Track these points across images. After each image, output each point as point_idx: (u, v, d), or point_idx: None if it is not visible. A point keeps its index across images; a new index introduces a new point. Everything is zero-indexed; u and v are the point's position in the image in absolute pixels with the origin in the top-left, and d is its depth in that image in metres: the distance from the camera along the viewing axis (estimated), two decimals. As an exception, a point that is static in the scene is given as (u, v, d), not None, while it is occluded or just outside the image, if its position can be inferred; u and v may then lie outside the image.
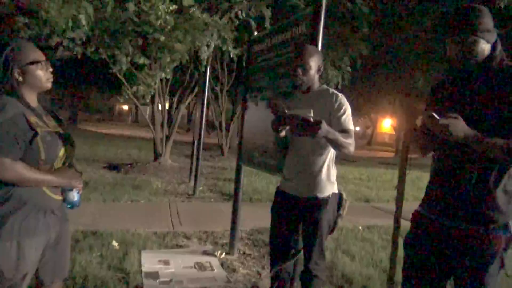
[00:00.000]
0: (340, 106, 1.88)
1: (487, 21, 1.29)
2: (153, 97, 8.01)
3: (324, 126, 1.61)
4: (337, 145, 1.78)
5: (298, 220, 2.03)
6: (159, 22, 4.83)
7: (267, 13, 6.09)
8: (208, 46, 5.44)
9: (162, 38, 5.06)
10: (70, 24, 4.55)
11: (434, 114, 1.20)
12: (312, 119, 1.60)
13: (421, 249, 1.44)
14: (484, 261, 1.28)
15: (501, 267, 1.31)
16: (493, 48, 1.32)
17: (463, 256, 1.32)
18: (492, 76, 1.30)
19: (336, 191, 2.01)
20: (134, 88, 6.02)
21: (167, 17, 4.85)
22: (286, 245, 2.10)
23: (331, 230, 2.02)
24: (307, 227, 1.98)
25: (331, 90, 1.97)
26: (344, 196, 2.05)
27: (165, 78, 6.47)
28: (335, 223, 2.01)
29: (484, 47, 1.31)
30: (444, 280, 1.43)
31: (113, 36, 5.55)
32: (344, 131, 1.83)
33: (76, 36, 5.02)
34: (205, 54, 5.54)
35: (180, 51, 5.30)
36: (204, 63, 6.01)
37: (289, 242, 2.09)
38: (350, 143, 1.80)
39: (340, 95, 1.93)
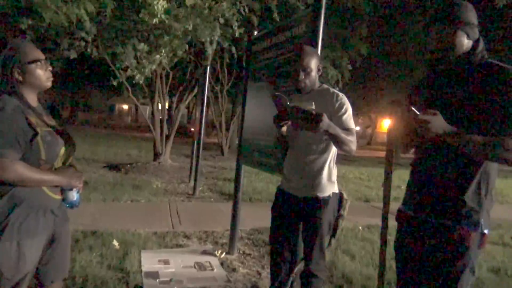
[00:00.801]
0: (341, 105, 1.88)
1: (470, 15, 1.31)
2: (152, 97, 8.02)
3: (326, 119, 1.62)
4: (339, 142, 1.77)
5: (298, 220, 2.03)
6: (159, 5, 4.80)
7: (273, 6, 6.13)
8: (211, 42, 5.43)
9: (176, 25, 5.00)
10: (73, 20, 4.54)
11: (413, 108, 1.21)
12: (314, 112, 1.61)
13: (407, 248, 1.45)
14: (454, 256, 1.29)
15: (472, 270, 1.29)
16: (475, 45, 1.33)
17: (435, 250, 1.33)
18: (472, 72, 1.30)
19: (337, 191, 2.00)
20: (129, 72, 5.96)
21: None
22: (287, 244, 2.09)
23: (333, 232, 2.01)
24: (307, 227, 1.97)
25: (332, 89, 1.97)
26: (345, 196, 2.04)
27: (164, 69, 6.38)
28: (337, 224, 2.01)
29: (464, 40, 1.32)
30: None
31: (118, 33, 5.57)
32: (346, 129, 1.83)
33: (81, 35, 5.02)
34: (210, 49, 5.54)
35: (179, 31, 5.21)
36: (210, 58, 6.00)
37: (289, 241, 2.09)
38: (352, 141, 1.80)
39: (340, 94, 1.93)
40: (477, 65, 1.31)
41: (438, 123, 1.21)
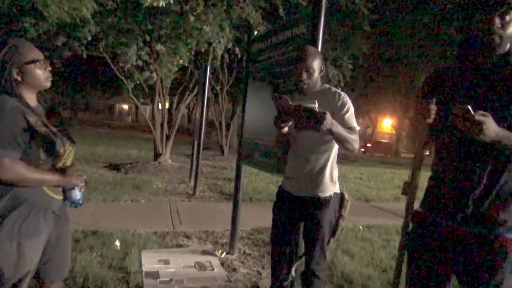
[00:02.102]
0: (343, 104, 1.88)
1: None
2: (153, 97, 8.02)
3: (329, 117, 1.61)
4: (342, 141, 1.77)
5: (299, 219, 2.03)
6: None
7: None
8: (219, 42, 5.46)
9: (192, 18, 5.03)
10: (76, 17, 4.54)
11: (469, 107, 1.06)
12: (317, 110, 1.59)
13: (424, 251, 1.38)
14: (493, 265, 1.22)
15: None
16: None
17: (468, 259, 1.26)
18: (510, 72, 1.20)
19: (338, 191, 2.00)
20: (146, 74, 6.05)
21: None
22: (287, 244, 2.09)
23: (334, 232, 2.01)
24: (308, 226, 1.97)
25: (334, 89, 1.97)
26: (346, 196, 2.04)
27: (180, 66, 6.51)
28: (337, 224, 2.00)
29: None
30: (445, 283, 1.37)
31: (121, 32, 5.59)
32: (348, 128, 1.83)
33: (82, 35, 5.04)
34: (219, 50, 5.57)
35: (206, 35, 5.26)
36: (219, 58, 6.05)
37: (290, 241, 2.09)
38: (355, 140, 1.80)
39: (342, 93, 1.93)
40: None
41: (492, 125, 1.08)
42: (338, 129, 1.71)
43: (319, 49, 2.19)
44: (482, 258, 1.23)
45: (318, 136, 1.88)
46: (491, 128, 1.08)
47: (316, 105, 1.61)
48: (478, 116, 1.07)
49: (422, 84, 1.45)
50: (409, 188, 1.44)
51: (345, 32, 7.83)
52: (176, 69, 6.37)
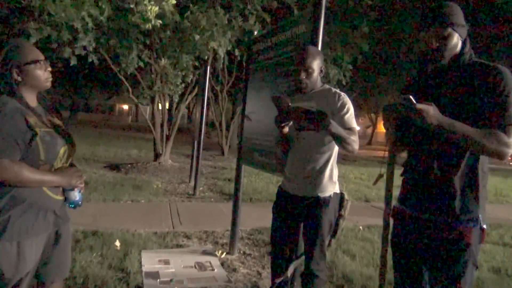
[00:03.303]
0: (343, 104, 1.88)
1: (460, 16, 1.36)
2: (153, 97, 8.02)
3: (328, 118, 1.63)
4: (341, 141, 1.78)
5: (299, 219, 2.03)
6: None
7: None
8: (220, 44, 5.48)
9: (197, 37, 5.12)
10: (78, 22, 4.56)
11: (411, 97, 1.23)
12: (316, 111, 1.61)
13: (404, 245, 1.47)
14: (456, 253, 1.31)
15: (475, 265, 1.32)
16: (464, 44, 1.37)
17: (437, 248, 1.35)
18: (462, 71, 1.35)
19: (338, 191, 2.00)
20: (158, 86, 6.11)
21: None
22: (287, 244, 2.09)
23: (334, 232, 2.01)
24: (308, 227, 1.97)
25: (334, 89, 1.97)
26: (346, 196, 2.04)
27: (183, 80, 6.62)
28: (337, 224, 2.00)
29: (457, 41, 1.36)
30: (423, 273, 1.44)
31: (122, 37, 5.61)
32: (348, 129, 1.83)
33: (86, 42, 5.07)
34: (221, 52, 5.59)
35: (207, 46, 5.31)
36: (221, 61, 6.09)
37: (290, 241, 2.09)
38: (354, 140, 1.81)
39: (342, 94, 1.93)
40: (466, 64, 1.36)
41: (433, 112, 1.24)
42: (338, 130, 1.72)
43: (319, 49, 2.19)
44: (446, 248, 1.33)
45: (318, 136, 1.89)
46: (433, 115, 1.24)
47: (314, 107, 1.62)
48: (419, 105, 1.23)
49: (400, 92, 1.58)
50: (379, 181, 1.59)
51: (344, 32, 7.83)
52: (182, 84, 6.45)
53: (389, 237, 1.52)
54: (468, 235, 1.30)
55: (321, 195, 1.93)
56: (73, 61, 5.67)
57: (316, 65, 1.92)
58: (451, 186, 1.32)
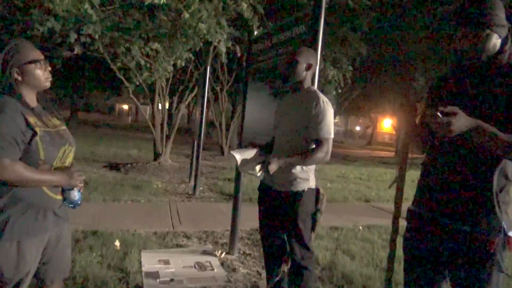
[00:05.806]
0: (318, 113, 1.88)
1: (501, 14, 1.24)
2: (153, 97, 8.03)
3: (273, 164, 1.83)
4: (301, 164, 1.92)
5: (278, 214, 2.07)
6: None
7: None
8: (219, 41, 5.45)
9: (187, 15, 5.01)
10: (82, 11, 4.54)
11: (437, 113, 1.13)
12: (262, 160, 1.89)
13: (418, 248, 1.42)
14: (480, 262, 1.24)
15: (500, 270, 1.25)
16: (503, 43, 1.26)
17: (457, 255, 1.29)
18: (500, 71, 1.25)
19: (313, 187, 2.03)
20: (146, 74, 6.03)
21: None
22: (275, 239, 2.15)
23: (313, 227, 2.03)
24: (286, 221, 2.02)
25: (318, 94, 1.96)
26: (322, 191, 2.07)
27: (175, 67, 6.49)
28: (315, 219, 2.03)
29: (496, 42, 1.25)
30: (441, 278, 1.40)
31: (123, 29, 5.58)
32: (317, 140, 1.90)
33: (89, 32, 5.02)
34: (223, 48, 5.56)
35: (201, 32, 5.23)
36: (223, 56, 6.06)
37: (277, 235, 2.15)
38: (317, 157, 1.89)
39: (322, 100, 1.91)
40: (504, 64, 1.25)
41: (460, 122, 1.13)
42: (291, 161, 1.87)
43: (319, 49, 2.20)
44: (467, 254, 1.26)
45: (292, 137, 1.98)
46: (460, 124, 1.13)
47: (254, 152, 1.95)
48: (443, 118, 1.12)
49: (427, 93, 1.52)
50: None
51: (344, 32, 7.82)
52: (172, 69, 6.34)
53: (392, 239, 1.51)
54: (490, 245, 1.23)
55: (294, 189, 1.97)
56: (78, 49, 5.63)
57: (302, 58, 1.96)
58: (479, 193, 1.24)
